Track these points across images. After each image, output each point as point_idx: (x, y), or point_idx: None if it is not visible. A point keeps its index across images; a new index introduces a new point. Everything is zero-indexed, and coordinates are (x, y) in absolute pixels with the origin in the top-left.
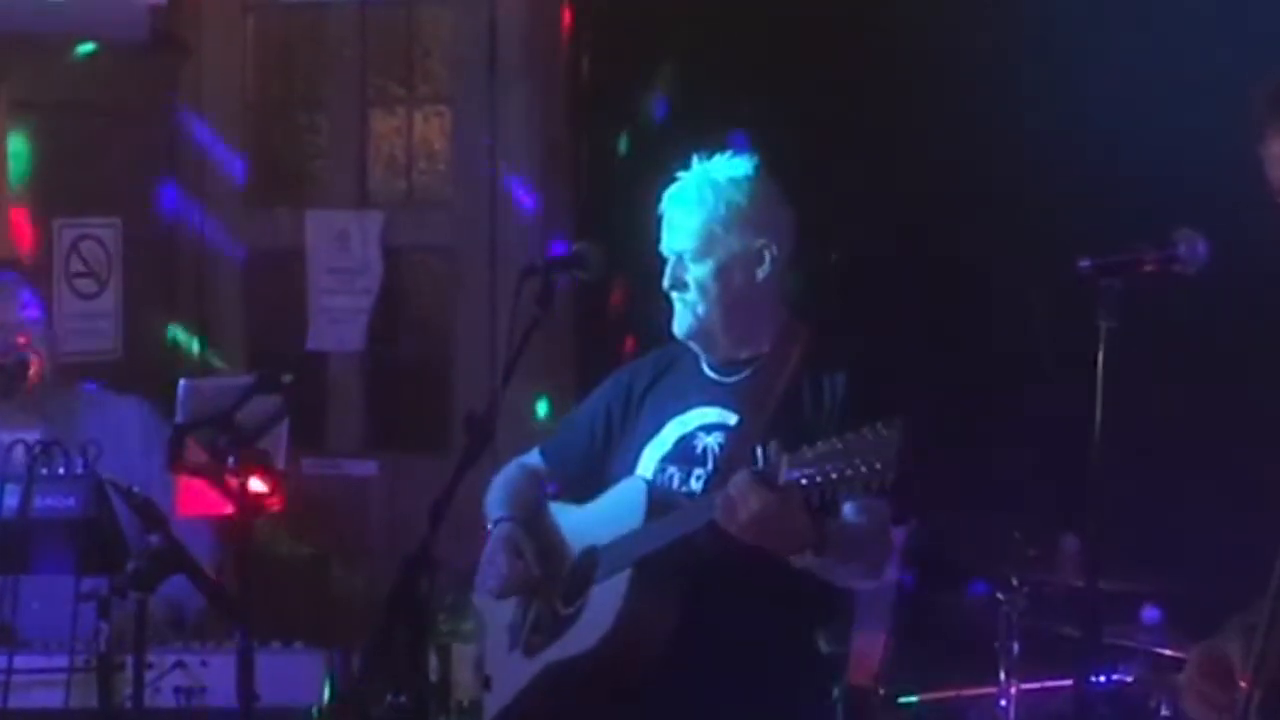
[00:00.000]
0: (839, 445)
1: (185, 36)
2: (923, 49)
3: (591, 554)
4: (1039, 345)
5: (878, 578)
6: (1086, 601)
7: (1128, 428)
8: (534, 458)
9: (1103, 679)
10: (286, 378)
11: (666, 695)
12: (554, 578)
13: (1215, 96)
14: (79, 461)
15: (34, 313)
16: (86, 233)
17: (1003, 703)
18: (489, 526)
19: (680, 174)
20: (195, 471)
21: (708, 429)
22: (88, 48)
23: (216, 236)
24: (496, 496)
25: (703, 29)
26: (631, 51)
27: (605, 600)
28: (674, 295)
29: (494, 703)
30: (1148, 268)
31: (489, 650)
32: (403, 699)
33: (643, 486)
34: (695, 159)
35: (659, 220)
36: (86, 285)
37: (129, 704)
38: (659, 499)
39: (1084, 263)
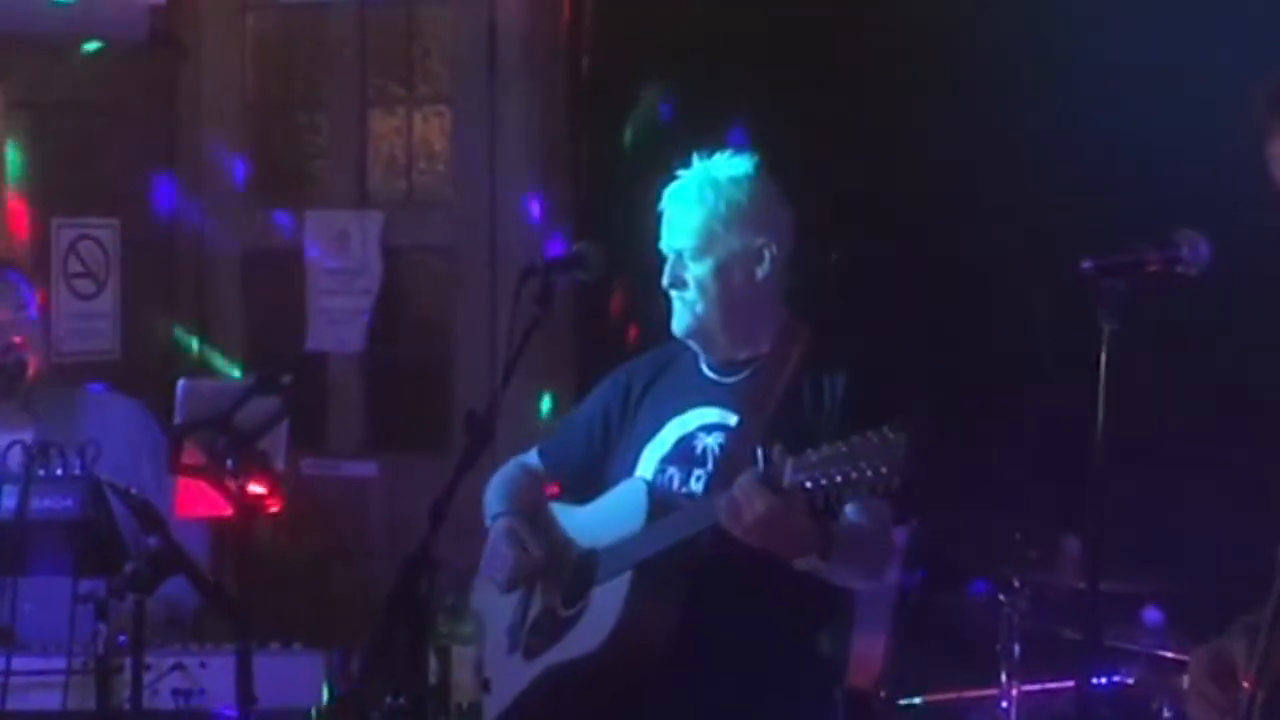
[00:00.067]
0: (844, 449)
1: (184, 36)
2: (923, 49)
3: (592, 555)
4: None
5: (879, 579)
6: (1088, 603)
7: (1129, 428)
8: (532, 458)
9: (1104, 681)
10: (286, 378)
11: (667, 697)
12: (558, 566)
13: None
14: (76, 462)
15: (31, 312)
16: (85, 233)
17: (1004, 704)
18: (488, 522)
19: (680, 172)
20: (194, 473)
21: (708, 429)
22: (93, 46)
23: (216, 237)
24: (495, 493)
25: (703, 29)
26: (631, 51)
27: (606, 602)
28: (673, 294)
29: (493, 705)
30: (1150, 269)
31: (488, 652)
32: (402, 701)
33: (643, 488)
34: (695, 158)
35: (659, 219)
36: (85, 286)
37: (127, 706)
38: (660, 500)
39: (1086, 264)
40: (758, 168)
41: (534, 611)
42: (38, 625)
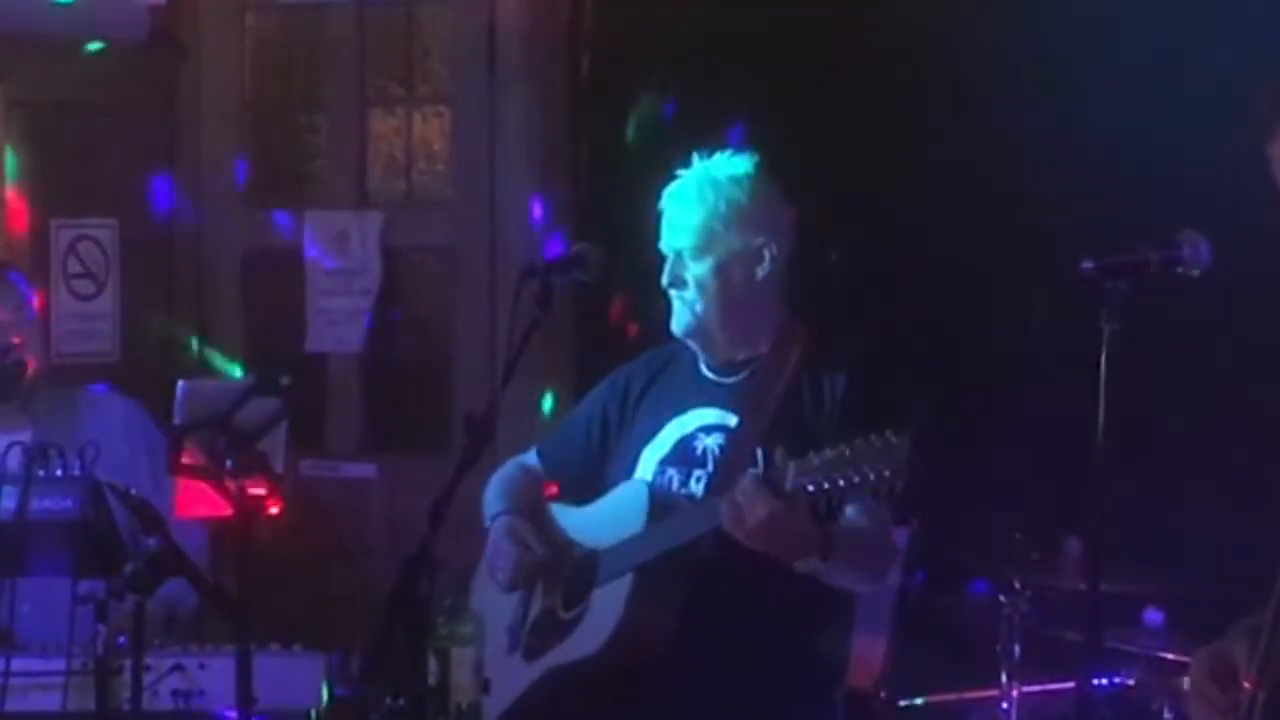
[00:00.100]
0: (847, 453)
1: (184, 36)
2: (923, 49)
3: (592, 557)
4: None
5: (880, 581)
6: (1088, 604)
7: (1129, 428)
8: (531, 458)
9: (1105, 682)
10: (285, 379)
11: (668, 699)
12: (559, 566)
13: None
14: (76, 463)
15: (31, 313)
16: (84, 233)
17: (1004, 706)
18: (488, 523)
19: (680, 172)
20: (194, 474)
21: (707, 430)
22: (95, 46)
23: (215, 237)
24: (494, 493)
25: (703, 29)
26: (631, 51)
27: (607, 605)
28: (672, 293)
29: (493, 706)
30: (1151, 269)
31: (488, 653)
32: (401, 702)
33: (644, 490)
34: (695, 157)
35: (658, 218)
36: (84, 286)
37: (127, 707)
38: (661, 502)
39: (1087, 264)
40: (758, 167)
41: (534, 612)
42: (37, 626)
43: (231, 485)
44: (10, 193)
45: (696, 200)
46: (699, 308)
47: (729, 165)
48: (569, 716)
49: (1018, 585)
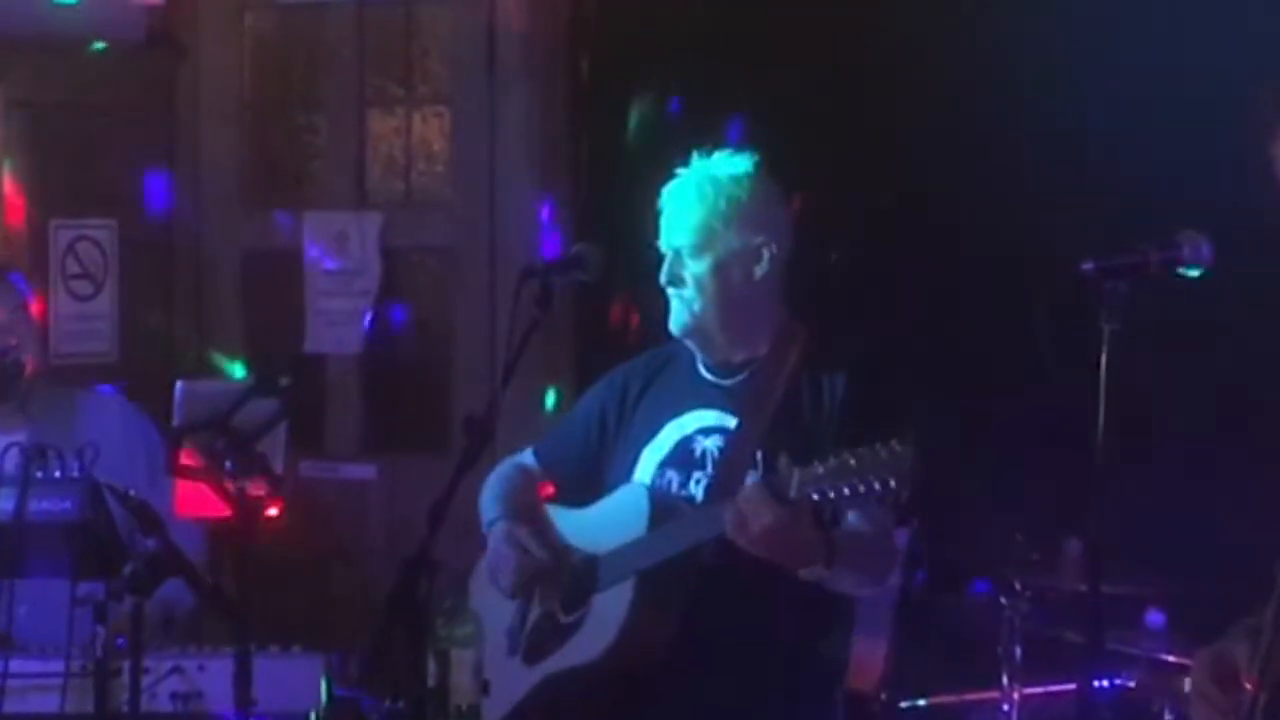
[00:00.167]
0: (851, 462)
1: (183, 36)
2: (923, 49)
3: (592, 561)
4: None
5: (883, 584)
6: (1089, 605)
7: (1129, 429)
8: (527, 458)
9: (1106, 684)
10: (284, 380)
11: (669, 703)
12: (558, 570)
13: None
14: (75, 464)
15: (30, 314)
16: (83, 234)
17: (1005, 708)
18: (484, 527)
19: (680, 171)
20: (193, 475)
21: (706, 432)
22: (100, 46)
23: (214, 238)
24: (491, 495)
25: (703, 29)
26: (631, 51)
27: (608, 610)
28: (671, 292)
29: (492, 709)
30: (1151, 269)
31: (487, 655)
32: (401, 703)
33: (644, 493)
34: (695, 156)
35: (658, 217)
36: (82, 287)
37: (126, 709)
38: (661, 506)
39: (1087, 264)
40: (757, 166)
41: (534, 615)
42: (36, 628)
43: (231, 486)
44: (7, 187)
45: (696, 198)
46: (697, 306)
47: (729, 164)
48: None
49: (1018, 586)
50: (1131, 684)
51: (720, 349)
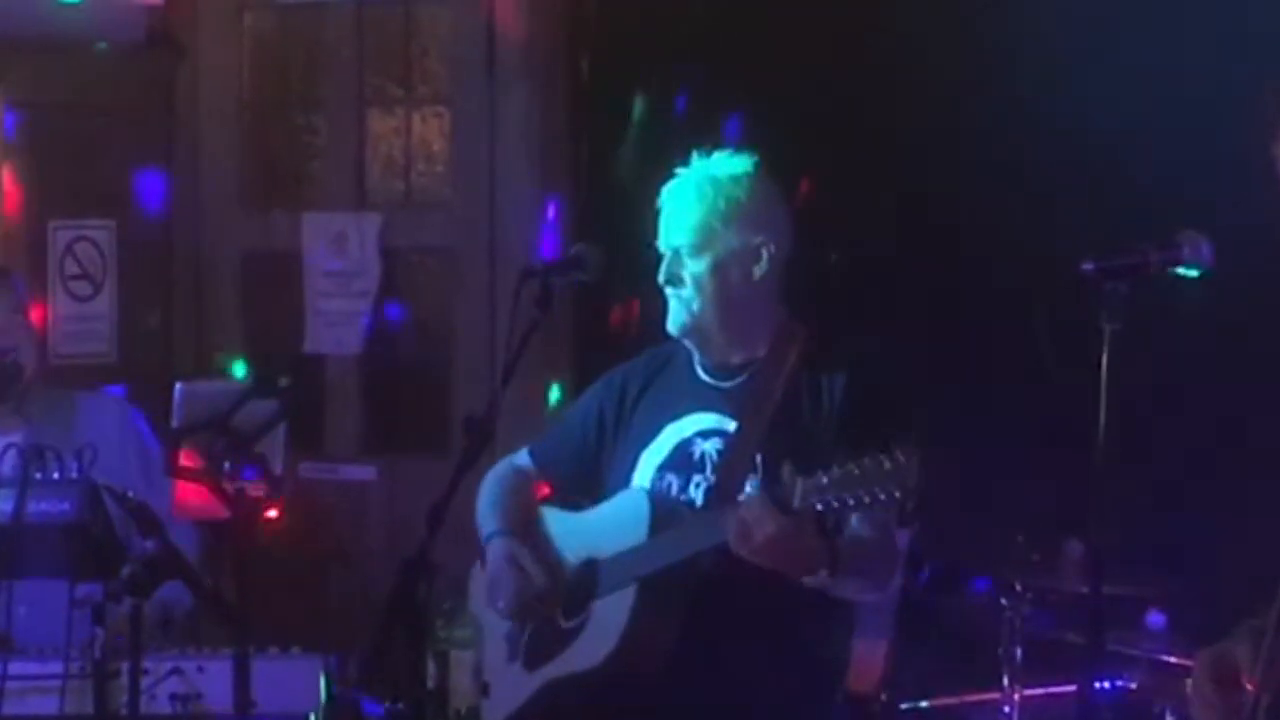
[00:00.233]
0: (856, 472)
1: (182, 37)
2: (923, 49)
3: (592, 566)
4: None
5: (886, 588)
6: (1090, 606)
7: (1130, 429)
8: (523, 458)
9: (1107, 685)
10: (284, 381)
11: (669, 709)
12: (555, 590)
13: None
14: (74, 465)
15: (27, 315)
16: (82, 234)
17: (1006, 709)
18: (483, 540)
19: (679, 171)
20: (192, 476)
21: (705, 435)
22: (94, 47)
23: (213, 238)
24: (488, 502)
25: (703, 29)
26: (631, 51)
27: (609, 616)
28: (669, 291)
29: (492, 713)
30: (1152, 270)
31: (487, 657)
32: (400, 705)
33: (645, 499)
34: (695, 155)
35: (658, 216)
36: (81, 288)
37: (125, 710)
38: (661, 511)
39: (1087, 265)
40: (757, 166)
41: (533, 619)
42: (34, 630)
43: (230, 487)
44: (7, 187)
45: (695, 198)
46: (695, 306)
47: (729, 164)
48: None
49: (1019, 587)
50: (1133, 685)
51: (719, 349)
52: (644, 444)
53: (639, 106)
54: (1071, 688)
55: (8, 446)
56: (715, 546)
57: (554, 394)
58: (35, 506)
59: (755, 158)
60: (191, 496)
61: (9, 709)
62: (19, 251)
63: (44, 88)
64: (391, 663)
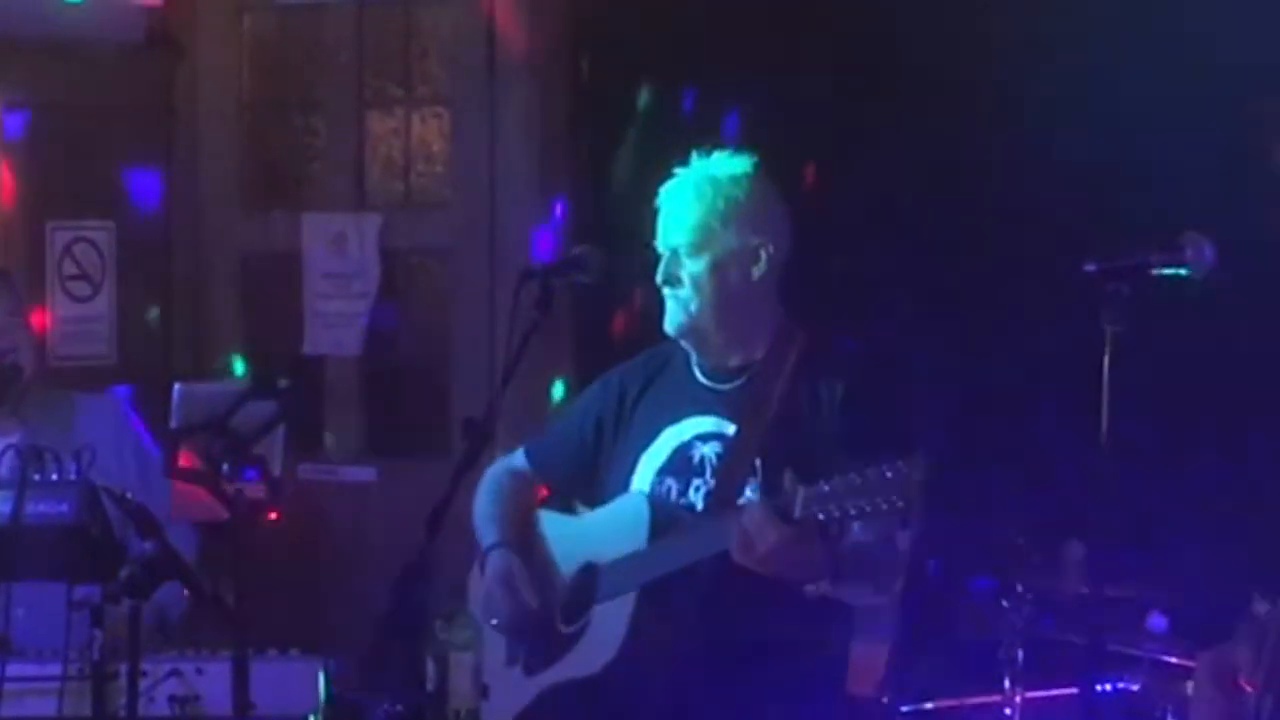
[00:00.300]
0: (858, 482)
1: (181, 37)
2: (924, 50)
3: (591, 571)
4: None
5: (888, 592)
6: (1091, 608)
7: (1132, 431)
8: (519, 460)
9: (1108, 687)
10: (283, 382)
11: (669, 714)
12: (551, 605)
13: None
14: (72, 467)
15: (25, 316)
16: (80, 235)
17: (1007, 711)
18: (481, 549)
19: (679, 170)
20: (190, 478)
21: (704, 438)
22: (93, 47)
23: (212, 239)
24: (486, 511)
25: (703, 29)
26: (631, 51)
27: (609, 623)
28: (666, 292)
29: (492, 715)
30: (1154, 271)
31: (487, 659)
32: (399, 707)
33: (645, 505)
34: (694, 156)
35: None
36: (80, 289)
37: (123, 713)
38: (662, 517)
39: (1089, 266)
40: (756, 167)
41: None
42: (32, 631)
43: (229, 489)
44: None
45: (694, 197)
46: (693, 306)
47: (728, 164)
48: None
49: (1020, 589)
50: (1135, 687)
51: (716, 350)
52: (643, 447)
53: (642, 104)
54: (1073, 690)
55: (6, 448)
56: (716, 554)
57: (556, 395)
58: (34, 508)
59: (754, 158)
60: (190, 498)
61: (7, 711)
62: (18, 252)
63: (43, 88)
64: (391, 665)
